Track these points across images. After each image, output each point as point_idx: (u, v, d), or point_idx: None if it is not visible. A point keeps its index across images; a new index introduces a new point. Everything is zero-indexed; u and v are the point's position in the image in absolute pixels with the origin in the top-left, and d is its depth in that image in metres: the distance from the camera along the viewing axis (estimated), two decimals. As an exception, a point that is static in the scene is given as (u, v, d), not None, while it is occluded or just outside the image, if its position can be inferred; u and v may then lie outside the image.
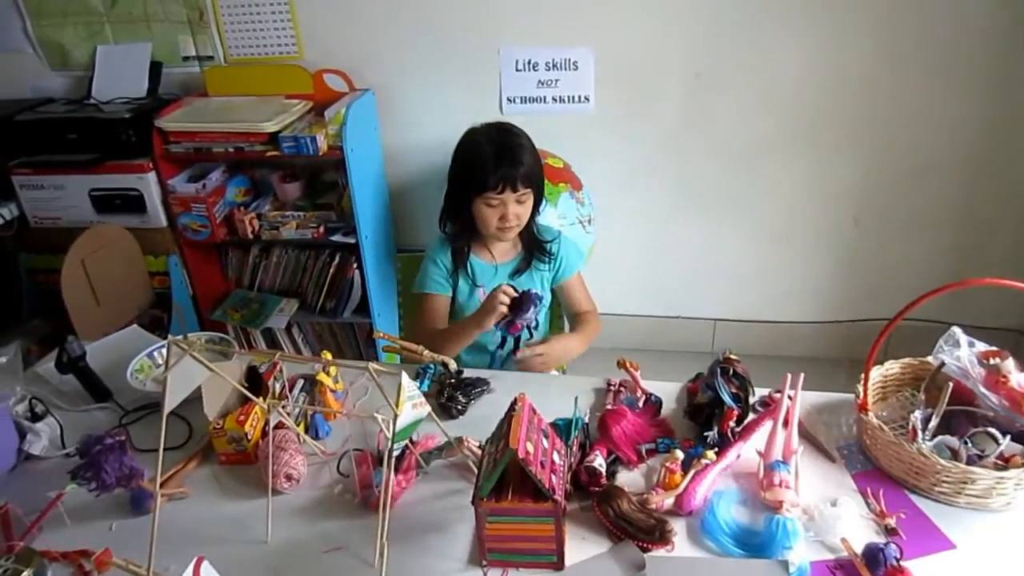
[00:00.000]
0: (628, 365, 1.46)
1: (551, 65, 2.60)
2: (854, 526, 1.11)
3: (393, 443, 0.94)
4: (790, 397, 1.25)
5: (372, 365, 0.92)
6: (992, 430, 1.19)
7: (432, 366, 1.49)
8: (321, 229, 2.63)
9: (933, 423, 1.23)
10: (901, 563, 1.03)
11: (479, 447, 1.26)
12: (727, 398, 1.27)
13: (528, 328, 1.60)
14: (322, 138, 2.43)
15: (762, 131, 2.63)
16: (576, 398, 1.37)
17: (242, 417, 1.31)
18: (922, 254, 2.76)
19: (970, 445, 1.19)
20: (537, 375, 1.62)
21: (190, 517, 1.21)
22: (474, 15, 2.57)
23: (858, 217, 2.73)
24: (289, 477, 1.24)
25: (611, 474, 1.23)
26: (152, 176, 2.55)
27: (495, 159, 1.64)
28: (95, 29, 2.73)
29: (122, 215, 2.60)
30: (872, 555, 1.04)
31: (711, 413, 1.30)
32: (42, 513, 1.16)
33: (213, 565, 1.00)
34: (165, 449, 1.34)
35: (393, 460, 0.95)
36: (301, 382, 1.50)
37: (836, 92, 2.53)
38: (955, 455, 1.18)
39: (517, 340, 1.68)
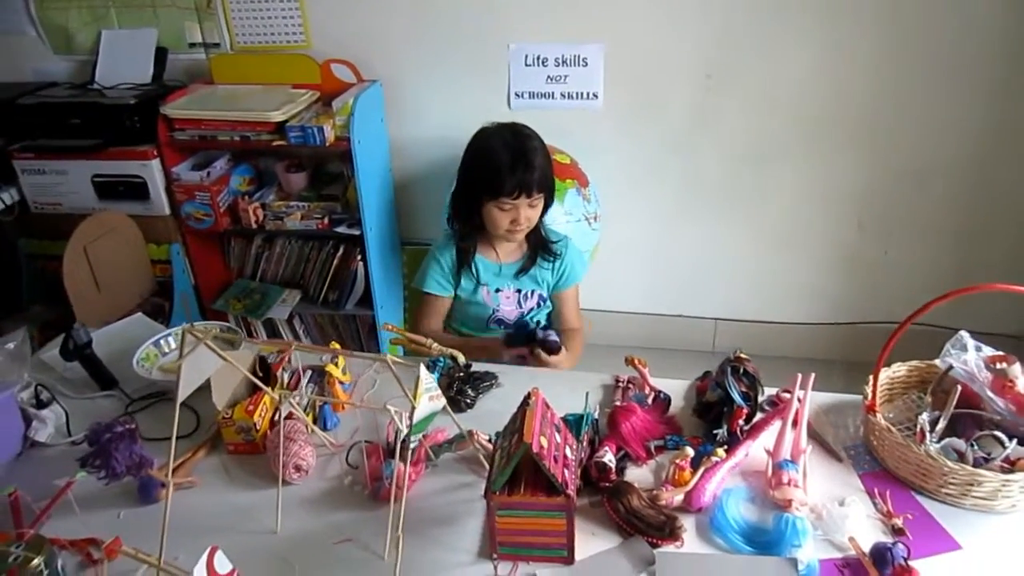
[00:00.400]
0: (636, 362, 1.47)
1: (560, 61, 2.60)
2: (861, 525, 1.12)
3: (411, 435, 0.94)
4: (799, 399, 1.26)
5: (390, 357, 0.92)
6: (998, 433, 1.20)
7: (441, 359, 1.49)
8: (326, 220, 2.62)
9: (940, 425, 1.23)
10: (909, 563, 1.03)
11: (488, 441, 1.27)
12: (737, 397, 1.27)
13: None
14: (329, 129, 2.43)
15: (769, 133, 2.63)
16: (587, 394, 1.37)
17: (251, 407, 1.31)
18: (924, 258, 2.77)
19: (976, 448, 1.20)
20: (546, 372, 1.62)
21: (198, 506, 1.21)
22: (484, 8, 2.56)
23: (862, 220, 2.74)
24: (298, 468, 1.24)
25: (620, 470, 1.23)
26: (156, 163, 2.54)
27: (511, 165, 1.63)
28: (100, 13, 2.72)
29: (125, 202, 2.59)
30: (880, 554, 1.05)
31: (720, 411, 1.31)
32: (52, 500, 1.15)
33: (223, 554, 1.00)
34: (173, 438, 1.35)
35: (408, 453, 0.95)
36: (309, 373, 1.50)
37: (842, 96, 2.53)
38: (962, 457, 1.19)
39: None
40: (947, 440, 1.22)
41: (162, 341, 1.61)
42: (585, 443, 1.25)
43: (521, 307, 1.88)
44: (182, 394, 0.99)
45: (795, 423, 1.24)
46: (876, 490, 1.20)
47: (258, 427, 1.31)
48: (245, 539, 1.14)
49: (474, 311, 1.88)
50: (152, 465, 1.19)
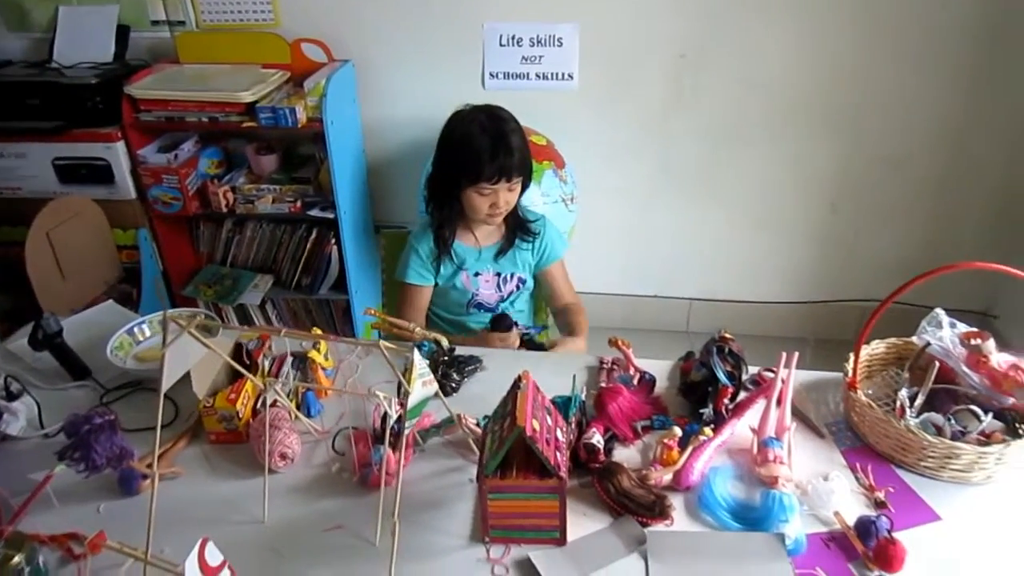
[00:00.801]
0: (620, 343, 1.47)
1: (535, 41, 2.57)
2: (846, 500, 1.14)
3: (405, 421, 0.93)
4: (783, 380, 1.27)
5: (383, 343, 0.91)
6: (974, 407, 1.23)
7: (425, 344, 1.48)
8: (298, 204, 2.58)
9: (919, 401, 1.26)
10: (892, 535, 1.06)
11: (476, 424, 1.26)
12: (723, 376, 1.28)
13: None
14: (301, 110, 2.38)
15: (744, 115, 2.64)
16: (575, 376, 1.37)
17: (233, 395, 1.29)
18: (895, 239, 2.82)
19: (953, 422, 1.23)
20: (529, 354, 1.62)
21: (182, 497, 1.19)
22: (457, -14, 2.52)
23: (835, 202, 2.77)
24: (283, 456, 1.23)
25: (607, 451, 1.24)
26: (121, 146, 2.47)
27: (490, 151, 1.61)
28: (57, -11, 2.61)
29: (88, 186, 2.52)
30: (865, 528, 1.07)
31: (705, 391, 1.32)
32: (31, 496, 1.12)
33: (214, 546, 0.98)
34: (152, 429, 1.32)
35: (403, 439, 0.94)
36: (290, 359, 1.47)
37: (817, 79, 2.56)
38: (940, 431, 1.22)
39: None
40: (926, 415, 1.24)
41: (136, 329, 1.57)
42: (573, 425, 1.25)
43: (500, 291, 1.87)
44: (166, 384, 0.97)
45: (779, 401, 1.26)
46: (858, 465, 1.23)
47: (240, 415, 1.28)
48: (232, 530, 1.13)
49: (453, 296, 1.87)
50: (133, 457, 1.17)
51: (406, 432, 0.94)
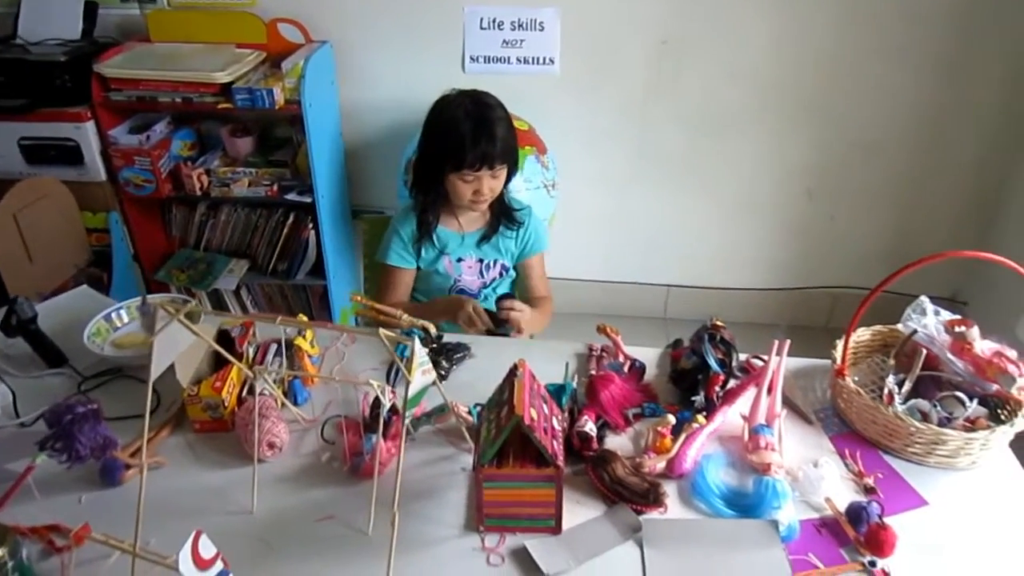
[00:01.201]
0: (609, 330, 1.47)
1: (516, 25, 2.54)
2: (835, 486, 1.16)
3: (406, 410, 0.92)
4: (775, 367, 1.28)
5: (383, 332, 0.89)
6: (959, 394, 1.26)
7: (414, 331, 1.45)
8: (275, 187, 2.52)
9: (906, 387, 1.28)
10: (883, 520, 1.07)
11: (468, 412, 1.25)
12: (714, 364, 1.29)
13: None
14: (279, 91, 2.32)
15: (723, 102, 2.65)
16: (567, 364, 1.37)
17: (218, 383, 1.26)
18: (869, 226, 2.86)
19: (939, 408, 1.25)
20: (517, 341, 1.61)
21: (167, 488, 1.16)
22: (438, -33, 2.48)
23: (811, 189, 2.80)
24: (272, 445, 1.20)
25: (599, 439, 1.24)
26: (90, 126, 2.39)
27: (473, 137, 1.59)
28: (21, -37, 2.51)
29: (56, 167, 2.44)
30: (856, 513, 1.09)
31: (695, 378, 1.32)
32: (12, 487, 1.08)
33: (207, 539, 0.96)
34: (133, 417, 1.29)
35: (404, 429, 0.92)
36: (274, 347, 1.44)
37: (796, 67, 2.57)
38: (926, 417, 1.24)
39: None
40: (912, 402, 1.26)
41: (113, 315, 1.52)
42: (565, 413, 1.25)
43: (483, 277, 1.85)
44: (155, 372, 0.94)
45: (769, 389, 1.27)
46: (846, 451, 1.24)
47: (226, 404, 1.26)
48: (220, 520, 1.10)
49: (436, 281, 1.85)
50: (117, 446, 1.13)
51: (407, 421, 0.92)
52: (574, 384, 1.33)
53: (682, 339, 1.45)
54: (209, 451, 1.25)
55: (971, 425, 1.23)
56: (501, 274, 1.87)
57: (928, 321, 1.36)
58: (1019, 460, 1.24)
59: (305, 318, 1.40)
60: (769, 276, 3.02)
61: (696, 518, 1.12)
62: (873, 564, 1.03)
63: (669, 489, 1.15)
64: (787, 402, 1.34)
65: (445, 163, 1.65)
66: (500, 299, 1.63)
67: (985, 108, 2.59)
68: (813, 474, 1.16)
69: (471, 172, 1.63)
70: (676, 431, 1.22)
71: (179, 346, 1.03)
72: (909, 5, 2.43)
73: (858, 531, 1.07)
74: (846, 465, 1.22)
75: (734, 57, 2.57)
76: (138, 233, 2.66)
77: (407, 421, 0.94)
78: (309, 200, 2.51)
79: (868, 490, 1.17)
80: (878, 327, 1.44)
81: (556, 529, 1.08)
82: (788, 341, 1.27)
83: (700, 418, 1.23)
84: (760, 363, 1.39)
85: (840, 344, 1.31)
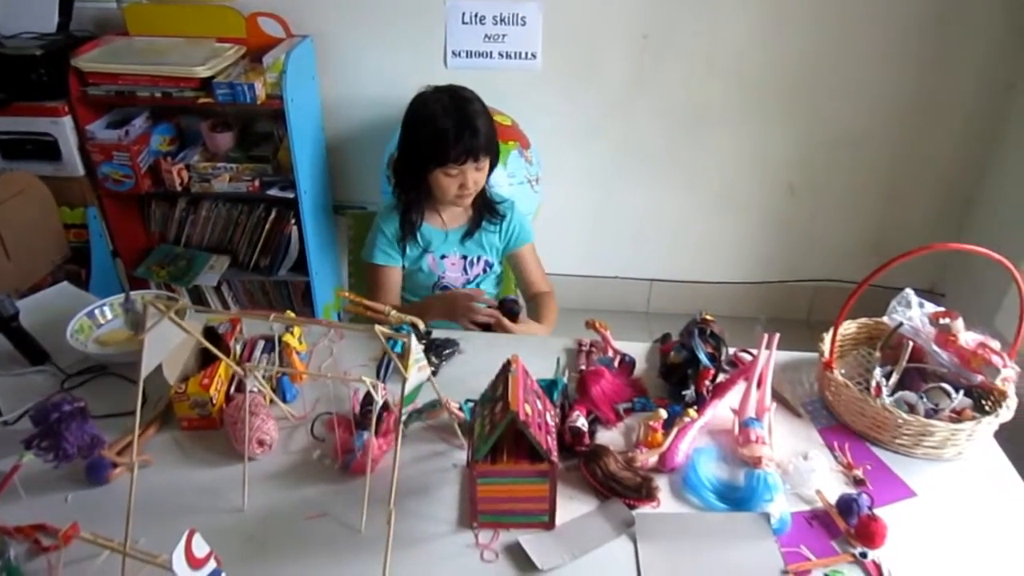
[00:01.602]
0: (598, 325, 1.47)
1: (498, 19, 2.54)
2: (825, 478, 1.17)
3: (403, 407, 0.91)
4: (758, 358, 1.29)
5: (379, 329, 0.88)
6: (946, 386, 1.27)
7: (403, 327, 1.44)
8: (256, 183, 2.50)
9: (893, 380, 1.30)
10: (873, 511, 1.09)
11: (459, 408, 1.24)
12: (704, 358, 1.29)
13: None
14: (260, 86, 2.29)
15: (705, 96, 2.66)
16: (559, 359, 1.37)
17: (206, 380, 1.24)
18: (850, 220, 2.89)
19: (926, 400, 1.27)
20: (505, 337, 1.60)
21: (155, 486, 1.14)
22: (420, -39, 2.47)
23: (793, 184, 2.83)
24: (261, 442, 1.19)
25: (591, 434, 1.24)
26: (68, 121, 2.35)
27: (456, 131, 1.59)
28: (-6, -46, 2.46)
29: (33, 162, 2.40)
30: (846, 505, 1.10)
31: (685, 373, 1.33)
32: (-1, 487, 1.06)
33: (201, 537, 0.95)
34: (118, 415, 1.27)
35: (399, 426, 0.92)
36: (262, 343, 1.43)
37: (778, 62, 2.59)
38: (912, 409, 1.25)
39: None
40: (899, 394, 1.28)
41: (96, 312, 1.50)
42: (557, 408, 1.25)
43: (467, 274, 1.85)
44: (145, 370, 0.92)
45: (759, 382, 1.28)
46: (835, 443, 1.26)
47: (214, 401, 1.24)
48: (210, 519, 1.09)
49: (419, 279, 1.84)
50: (104, 445, 1.11)
51: (402, 418, 0.91)
52: (565, 379, 1.33)
53: (670, 333, 1.45)
54: (197, 449, 1.23)
55: (957, 416, 1.25)
56: (485, 270, 1.87)
57: (913, 313, 1.38)
58: (1003, 450, 1.26)
59: (293, 315, 1.39)
60: (751, 270, 3.05)
61: (689, 512, 1.12)
62: (864, 555, 1.04)
63: (661, 483, 1.15)
64: (775, 395, 1.35)
65: (429, 159, 1.64)
66: (502, 303, 1.63)
67: (962, 105, 2.62)
68: (803, 467, 1.17)
69: (456, 166, 1.63)
70: (667, 425, 1.23)
71: (168, 344, 1.01)
72: (888, 2, 2.46)
73: (849, 523, 1.08)
74: (835, 457, 1.23)
75: (714, 51, 2.58)
76: (117, 228, 2.62)
77: (403, 416, 0.93)
78: (291, 195, 2.48)
79: (857, 482, 1.18)
80: (863, 320, 1.46)
81: (550, 524, 1.08)
82: (777, 335, 1.28)
83: (691, 412, 1.23)
84: (748, 357, 1.40)
85: (827, 337, 1.33)
